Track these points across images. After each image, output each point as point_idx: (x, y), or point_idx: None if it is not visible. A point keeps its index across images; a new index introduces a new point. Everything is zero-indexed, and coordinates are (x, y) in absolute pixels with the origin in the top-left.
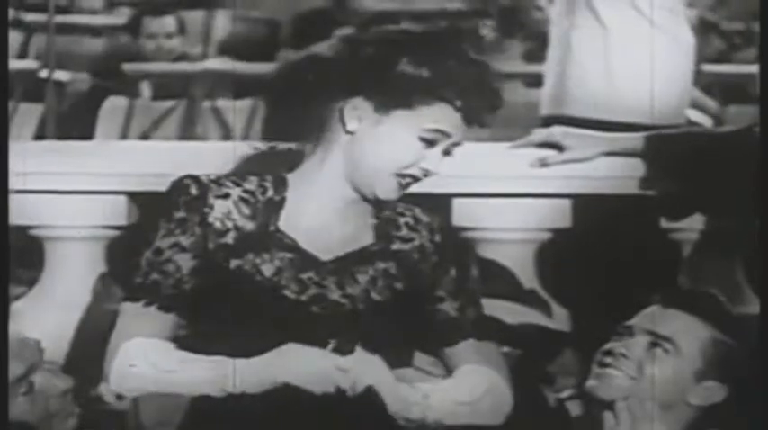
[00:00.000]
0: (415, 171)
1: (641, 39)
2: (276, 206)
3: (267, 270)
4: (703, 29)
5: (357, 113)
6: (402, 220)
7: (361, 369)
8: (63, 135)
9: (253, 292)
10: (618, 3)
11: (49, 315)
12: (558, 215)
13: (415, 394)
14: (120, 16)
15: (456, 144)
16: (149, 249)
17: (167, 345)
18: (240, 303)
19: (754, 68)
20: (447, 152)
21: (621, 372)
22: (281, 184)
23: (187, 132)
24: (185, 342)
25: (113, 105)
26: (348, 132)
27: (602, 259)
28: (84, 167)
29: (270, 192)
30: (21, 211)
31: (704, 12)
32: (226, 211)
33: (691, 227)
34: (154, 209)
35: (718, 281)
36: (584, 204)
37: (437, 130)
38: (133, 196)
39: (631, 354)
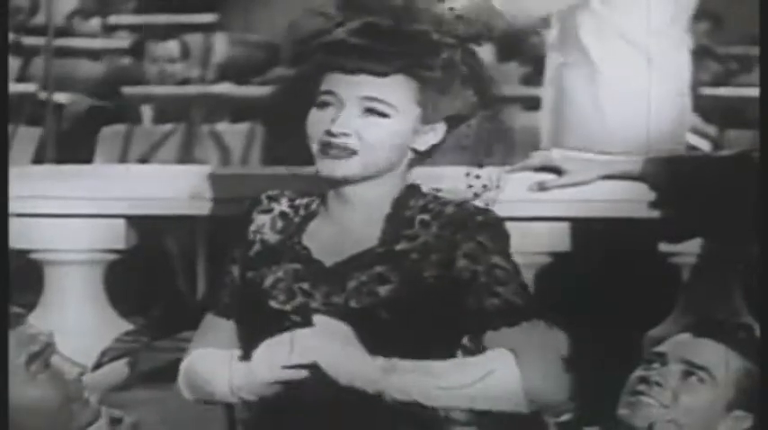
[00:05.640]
0: (330, 138)
1: (633, 71)
2: (308, 218)
3: (268, 281)
4: (699, 54)
5: None
6: (420, 217)
7: (305, 344)
8: (62, 158)
9: (252, 303)
10: (608, 36)
11: None
12: (557, 239)
13: (373, 368)
14: (120, 40)
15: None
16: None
17: (229, 354)
18: (247, 314)
19: (752, 92)
20: (369, 110)
21: (655, 401)
22: (324, 199)
23: (186, 156)
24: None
25: (112, 129)
26: None
27: (602, 283)
28: (84, 191)
29: (313, 206)
30: (20, 235)
31: (699, 37)
32: (261, 225)
33: (690, 251)
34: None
35: (716, 305)
36: (582, 228)
37: (326, 92)
38: (132, 220)
39: (666, 383)
